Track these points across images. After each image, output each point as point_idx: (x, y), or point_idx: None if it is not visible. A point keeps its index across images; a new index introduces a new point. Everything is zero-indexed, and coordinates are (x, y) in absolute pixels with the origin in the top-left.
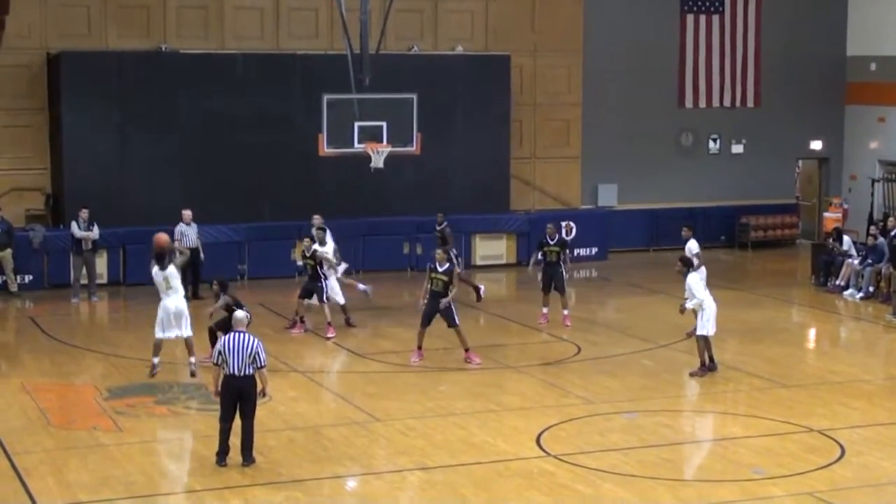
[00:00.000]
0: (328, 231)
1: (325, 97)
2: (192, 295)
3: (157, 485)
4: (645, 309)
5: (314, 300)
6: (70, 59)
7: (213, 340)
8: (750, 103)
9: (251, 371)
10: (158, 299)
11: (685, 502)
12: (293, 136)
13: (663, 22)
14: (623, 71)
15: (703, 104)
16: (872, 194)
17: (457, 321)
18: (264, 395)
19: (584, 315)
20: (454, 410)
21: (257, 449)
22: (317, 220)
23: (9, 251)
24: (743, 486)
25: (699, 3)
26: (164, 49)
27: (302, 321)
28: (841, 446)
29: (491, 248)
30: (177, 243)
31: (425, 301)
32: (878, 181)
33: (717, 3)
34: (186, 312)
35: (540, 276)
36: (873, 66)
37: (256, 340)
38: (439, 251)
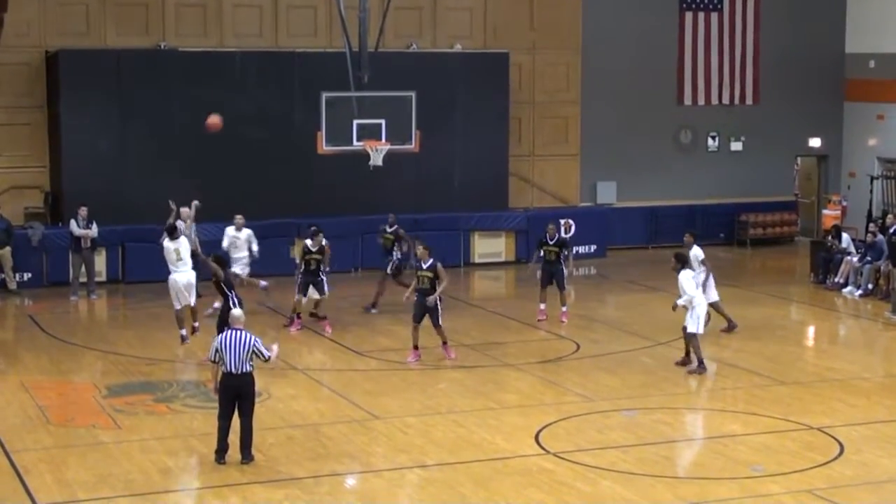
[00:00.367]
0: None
1: (324, 95)
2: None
3: (155, 483)
4: (644, 306)
5: (313, 293)
6: (69, 57)
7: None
8: (749, 101)
9: (249, 368)
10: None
11: (684, 500)
12: (292, 134)
13: (662, 19)
14: (622, 68)
15: (701, 101)
16: (871, 191)
17: (440, 322)
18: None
19: (584, 312)
20: (453, 408)
21: (256, 447)
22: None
23: (8, 249)
24: (742, 484)
25: (698, 1)
26: (162, 47)
27: (298, 317)
28: (840, 444)
29: (490, 246)
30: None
31: (412, 298)
32: (877, 178)
33: (715, 1)
34: (195, 282)
35: (539, 274)
36: (872, 64)
37: (253, 337)
38: (421, 248)
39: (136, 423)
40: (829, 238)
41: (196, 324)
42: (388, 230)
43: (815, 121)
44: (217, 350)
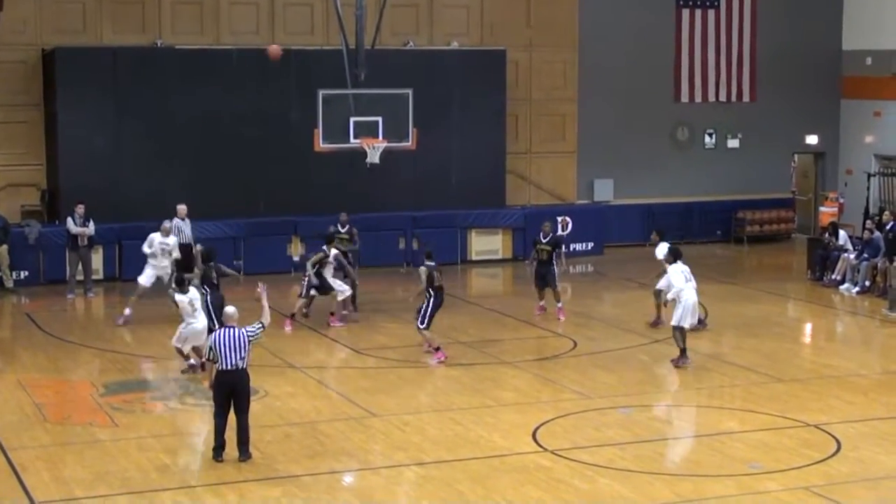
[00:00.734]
0: None
1: (321, 92)
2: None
3: (153, 480)
4: (641, 304)
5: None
6: (65, 54)
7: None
8: (746, 98)
9: (243, 365)
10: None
11: (681, 497)
12: (289, 132)
13: (659, 16)
14: (619, 66)
15: (698, 99)
16: (868, 188)
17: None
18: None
19: (580, 310)
20: (450, 406)
21: (253, 444)
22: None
23: (4, 247)
24: (739, 481)
25: None
26: (159, 44)
27: (293, 317)
28: (837, 441)
29: (487, 244)
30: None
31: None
32: (874, 175)
33: None
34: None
35: (532, 273)
36: (869, 61)
37: (244, 330)
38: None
39: (133, 420)
40: (827, 235)
41: (192, 361)
42: (342, 231)
43: (812, 118)
44: (211, 348)
